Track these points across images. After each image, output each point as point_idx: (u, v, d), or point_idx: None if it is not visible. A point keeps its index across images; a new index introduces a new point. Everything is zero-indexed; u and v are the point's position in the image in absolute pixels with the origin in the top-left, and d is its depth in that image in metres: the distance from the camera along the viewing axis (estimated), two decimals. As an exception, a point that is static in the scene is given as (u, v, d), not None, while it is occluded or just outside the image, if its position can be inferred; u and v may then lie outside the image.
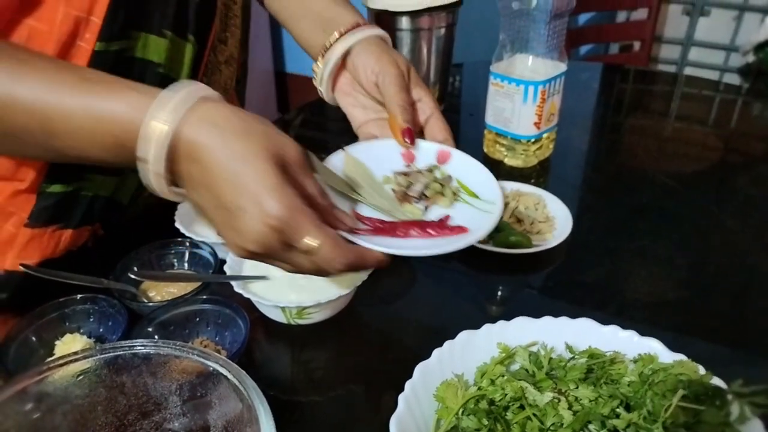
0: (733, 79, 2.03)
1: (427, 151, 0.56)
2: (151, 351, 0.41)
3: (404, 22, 0.86)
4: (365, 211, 0.50)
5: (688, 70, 2.12)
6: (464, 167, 0.54)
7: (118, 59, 0.54)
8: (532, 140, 0.83)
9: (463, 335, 0.45)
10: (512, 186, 0.77)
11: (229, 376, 0.40)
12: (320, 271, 0.43)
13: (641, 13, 1.93)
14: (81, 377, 0.41)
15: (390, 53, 0.59)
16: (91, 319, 0.56)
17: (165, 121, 0.39)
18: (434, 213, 0.52)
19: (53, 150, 0.44)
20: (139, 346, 0.41)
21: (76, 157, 0.44)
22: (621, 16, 2.09)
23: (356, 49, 0.59)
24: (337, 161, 0.52)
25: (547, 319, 0.46)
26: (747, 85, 1.82)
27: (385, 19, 0.86)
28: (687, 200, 0.80)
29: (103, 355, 0.41)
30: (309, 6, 0.66)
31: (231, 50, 0.71)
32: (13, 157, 0.54)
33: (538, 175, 0.86)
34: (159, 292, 0.60)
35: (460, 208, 0.52)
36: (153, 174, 0.41)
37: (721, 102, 1.14)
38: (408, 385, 0.41)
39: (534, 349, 0.45)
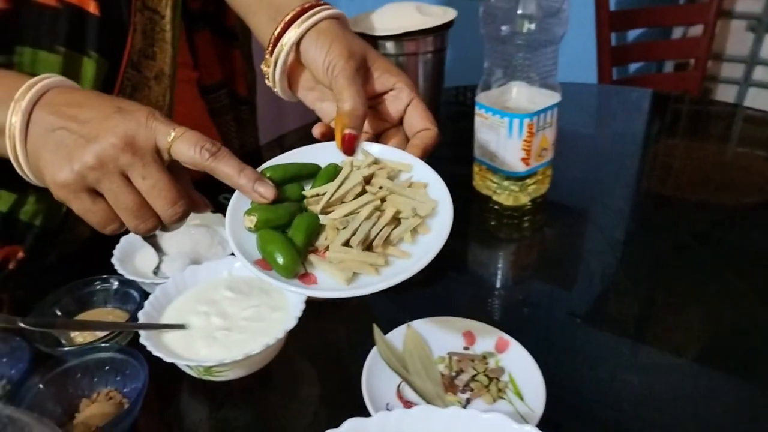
0: (804, 101, 1.84)
1: (487, 336, 0.55)
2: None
3: (388, 47, 0.80)
4: (408, 391, 0.51)
5: (752, 91, 1.94)
6: (519, 361, 0.51)
7: None
8: (521, 177, 0.75)
9: (350, 423, 0.38)
10: (423, 171, 0.49)
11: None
12: (143, 210, 0.45)
13: (698, 29, 1.78)
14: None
15: (343, 38, 0.51)
16: (4, 360, 0.54)
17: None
18: (475, 407, 0.49)
19: None
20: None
21: None
22: (677, 32, 1.95)
23: (306, 40, 0.51)
24: (400, 335, 0.53)
25: (454, 410, 0.39)
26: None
27: (367, 43, 0.81)
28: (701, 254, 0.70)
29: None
30: None
31: (161, 66, 0.68)
32: None
33: (531, 213, 0.78)
34: (81, 332, 0.57)
35: (500, 406, 0.49)
36: None
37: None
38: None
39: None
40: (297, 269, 0.42)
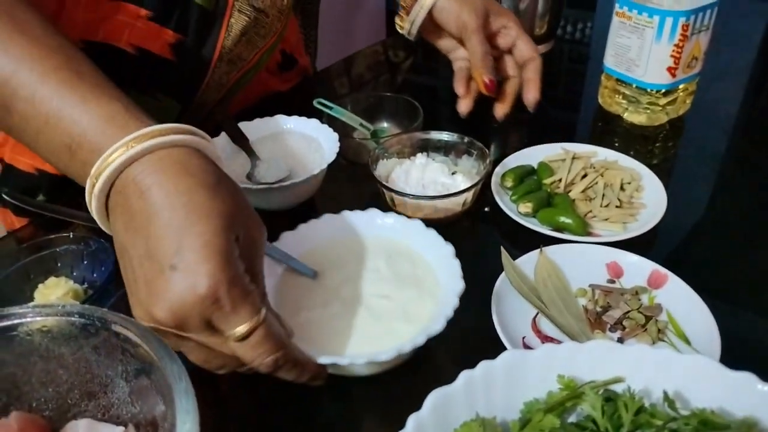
0: None
1: (638, 268, 0.46)
2: (88, 322, 0.32)
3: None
4: (545, 324, 0.44)
5: None
6: (681, 299, 0.44)
7: None
8: (663, 91, 0.63)
9: (509, 356, 0.31)
10: (605, 153, 0.60)
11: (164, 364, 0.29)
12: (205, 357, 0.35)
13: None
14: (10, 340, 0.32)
15: (468, 1, 0.62)
16: (85, 262, 0.49)
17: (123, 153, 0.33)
18: None
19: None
20: (76, 315, 0.32)
21: (25, 141, 0.37)
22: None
23: (440, 4, 0.63)
24: (530, 261, 0.47)
25: (641, 348, 0.31)
26: None
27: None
28: None
29: (30, 319, 0.32)
30: None
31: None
32: None
33: (665, 138, 0.67)
34: (168, 238, 0.51)
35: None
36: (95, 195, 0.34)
37: None
38: (412, 420, 0.28)
39: (618, 389, 0.30)
40: (586, 227, 0.51)
